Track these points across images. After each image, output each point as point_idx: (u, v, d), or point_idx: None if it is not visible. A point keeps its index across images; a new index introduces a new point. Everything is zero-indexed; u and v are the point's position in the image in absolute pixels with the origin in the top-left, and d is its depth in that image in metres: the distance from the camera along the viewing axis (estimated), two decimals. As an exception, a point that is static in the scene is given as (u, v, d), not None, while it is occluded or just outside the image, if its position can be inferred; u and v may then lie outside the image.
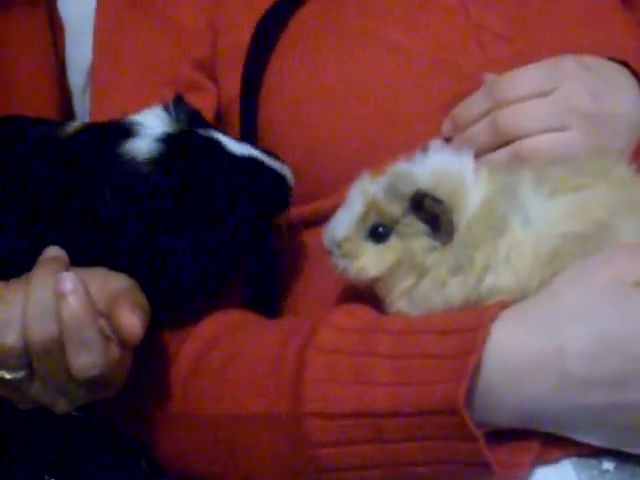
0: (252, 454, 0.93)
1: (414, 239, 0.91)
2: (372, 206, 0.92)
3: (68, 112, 1.12)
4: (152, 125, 0.92)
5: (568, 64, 0.98)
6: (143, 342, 0.87)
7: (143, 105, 1.04)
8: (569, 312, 0.86)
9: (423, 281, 0.91)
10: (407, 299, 0.92)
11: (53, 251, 0.90)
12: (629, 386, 0.84)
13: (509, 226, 0.89)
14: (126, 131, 0.92)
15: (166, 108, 0.94)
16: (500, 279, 0.89)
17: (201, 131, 0.93)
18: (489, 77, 1.00)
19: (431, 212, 0.90)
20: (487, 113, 0.98)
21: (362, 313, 0.93)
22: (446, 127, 1.02)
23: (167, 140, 0.91)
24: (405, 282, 0.91)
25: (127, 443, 1.03)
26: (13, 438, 1.03)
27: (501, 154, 0.97)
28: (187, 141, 0.92)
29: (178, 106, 0.95)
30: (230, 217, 0.92)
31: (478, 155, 0.96)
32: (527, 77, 0.98)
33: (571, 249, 0.89)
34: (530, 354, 0.85)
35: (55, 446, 1.03)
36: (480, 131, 0.98)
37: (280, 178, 0.96)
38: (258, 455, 0.93)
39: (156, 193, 0.89)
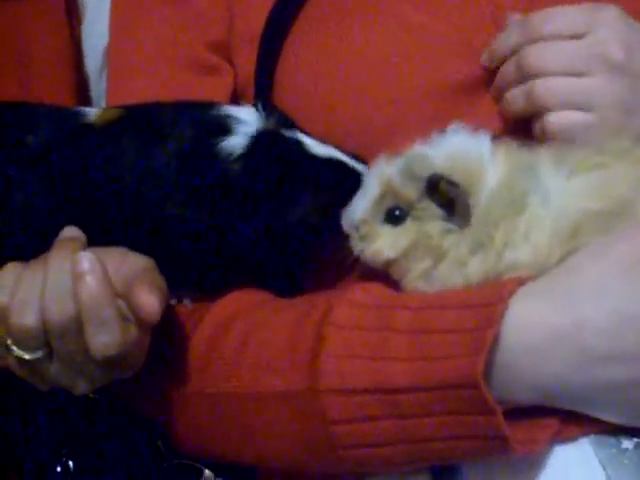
0: (269, 432, 0.93)
1: (430, 222, 0.91)
2: (388, 189, 0.92)
3: (85, 95, 1.12)
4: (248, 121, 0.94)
5: (609, 12, 0.96)
6: (160, 321, 0.87)
7: (161, 87, 1.04)
8: (590, 287, 0.86)
9: (441, 264, 0.90)
10: (425, 280, 0.91)
11: (70, 231, 0.90)
12: None
13: (528, 204, 0.89)
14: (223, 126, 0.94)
15: (256, 107, 0.96)
16: (519, 255, 0.88)
17: (287, 132, 0.95)
18: (516, 16, 0.99)
19: (447, 196, 0.89)
20: (518, 47, 0.97)
21: (379, 290, 0.92)
22: (484, 60, 1.01)
23: (257, 137, 0.93)
24: (421, 265, 0.91)
25: (143, 424, 1.03)
26: (31, 420, 1.03)
27: (515, 93, 0.96)
28: (273, 139, 0.94)
29: (266, 106, 0.97)
30: (300, 207, 0.94)
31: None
32: (563, 16, 0.96)
33: (592, 226, 0.88)
34: (550, 329, 0.85)
35: (72, 428, 1.03)
36: (508, 69, 0.97)
37: (359, 179, 0.95)
38: (275, 433, 0.92)
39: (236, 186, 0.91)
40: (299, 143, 0.95)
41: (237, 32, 1.09)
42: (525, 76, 0.95)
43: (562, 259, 0.88)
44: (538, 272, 0.88)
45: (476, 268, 0.89)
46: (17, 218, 0.92)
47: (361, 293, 0.92)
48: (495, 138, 0.93)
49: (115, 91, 1.09)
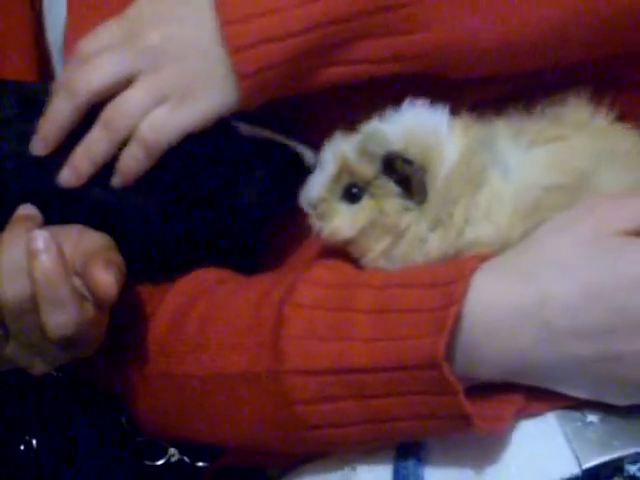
0: (232, 413, 0.92)
1: (387, 200, 0.89)
2: (344, 166, 0.90)
3: (47, 69, 1.10)
4: None
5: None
6: (120, 301, 0.86)
7: None
8: (552, 263, 0.85)
9: (401, 242, 0.90)
10: (385, 258, 0.90)
11: (26, 209, 0.89)
12: (613, 337, 0.83)
13: (488, 178, 0.88)
14: None
15: None
16: (480, 232, 0.87)
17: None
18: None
19: (403, 174, 0.88)
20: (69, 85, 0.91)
21: (341, 268, 0.91)
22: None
23: None
24: (381, 244, 0.90)
25: (107, 402, 1.02)
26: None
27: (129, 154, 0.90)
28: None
29: None
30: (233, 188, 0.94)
31: None
32: (103, 31, 0.93)
33: (553, 201, 0.88)
34: (512, 305, 0.84)
35: (35, 406, 1.03)
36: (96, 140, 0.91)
37: (295, 156, 0.95)
38: (238, 414, 0.92)
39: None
40: (230, 128, 0.94)
41: None
42: (107, 127, 0.90)
43: (524, 235, 0.88)
44: (500, 248, 0.87)
45: (436, 245, 0.88)
46: None
47: (323, 271, 0.91)
48: (453, 112, 0.92)
49: None
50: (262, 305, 0.91)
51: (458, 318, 0.84)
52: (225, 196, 0.94)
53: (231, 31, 0.87)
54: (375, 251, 0.90)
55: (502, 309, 0.85)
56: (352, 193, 0.90)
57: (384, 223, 0.89)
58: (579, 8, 0.89)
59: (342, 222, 0.91)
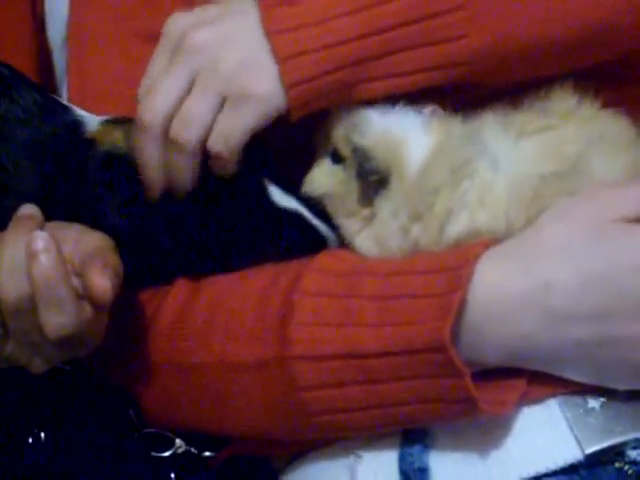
0: (240, 402, 0.93)
1: (353, 182, 0.94)
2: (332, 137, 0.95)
3: (47, 66, 1.11)
4: None
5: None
6: (126, 299, 0.88)
7: (121, 60, 1.04)
8: (554, 249, 0.86)
9: (371, 228, 0.93)
10: (377, 246, 0.93)
11: (27, 209, 0.89)
12: (613, 321, 0.85)
13: (476, 170, 0.90)
14: None
15: None
16: (476, 221, 0.89)
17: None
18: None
19: (363, 169, 0.92)
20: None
21: (347, 257, 0.93)
22: None
23: None
24: (350, 221, 0.94)
25: (115, 394, 1.02)
26: (1, 392, 1.03)
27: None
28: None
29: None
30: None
31: None
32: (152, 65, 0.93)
33: (551, 188, 0.89)
34: (516, 290, 0.86)
35: (43, 400, 1.03)
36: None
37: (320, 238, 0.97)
38: (247, 402, 0.93)
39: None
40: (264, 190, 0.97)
41: (197, 4, 1.08)
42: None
43: (528, 222, 0.89)
44: (504, 237, 0.89)
45: (420, 235, 0.90)
46: None
47: (330, 260, 0.92)
48: (433, 110, 0.94)
49: (76, 65, 1.08)
50: (269, 293, 0.92)
51: (463, 303, 0.85)
52: (239, 253, 0.96)
53: (278, 40, 0.89)
54: (349, 227, 0.94)
55: (506, 294, 0.86)
56: (336, 155, 0.95)
57: (345, 201, 0.94)
58: (621, 8, 0.91)
59: (319, 174, 0.95)
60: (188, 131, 0.89)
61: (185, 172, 0.91)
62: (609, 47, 0.94)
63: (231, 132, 0.89)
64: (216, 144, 0.90)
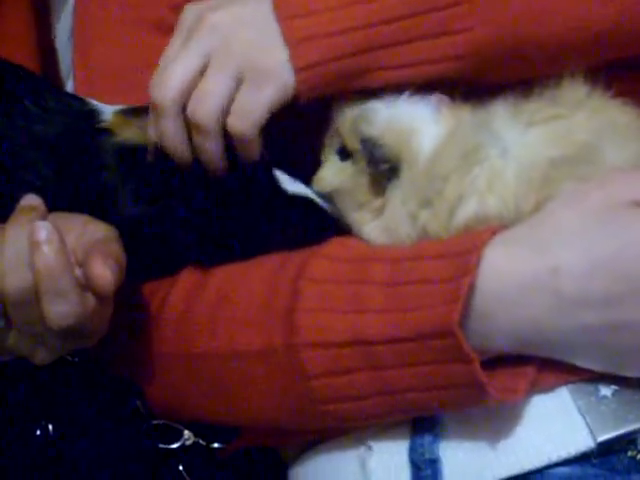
0: (248, 390, 0.93)
1: (363, 175, 0.94)
2: (339, 131, 0.95)
3: (52, 64, 1.11)
4: None
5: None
6: (133, 290, 0.88)
7: (127, 50, 1.04)
8: (563, 233, 0.86)
9: (382, 217, 0.93)
10: (385, 234, 0.93)
11: (30, 199, 0.89)
12: (623, 306, 0.84)
13: (486, 157, 0.90)
14: None
15: None
16: (485, 205, 0.89)
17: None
18: None
19: (373, 158, 0.92)
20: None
21: (355, 244, 0.92)
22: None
23: None
24: (360, 212, 0.94)
25: (122, 385, 1.02)
26: (8, 385, 1.02)
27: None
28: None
29: None
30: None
31: None
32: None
33: (561, 173, 0.89)
34: (524, 275, 0.85)
35: (51, 392, 1.03)
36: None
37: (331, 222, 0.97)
38: (254, 391, 0.92)
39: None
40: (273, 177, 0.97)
41: None
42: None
43: (537, 208, 0.89)
44: (513, 222, 0.88)
45: (429, 221, 0.90)
46: None
47: (337, 247, 0.92)
48: (440, 99, 0.94)
49: (82, 56, 1.08)
50: (276, 281, 0.91)
51: (471, 288, 0.84)
52: (251, 239, 0.96)
53: (289, 25, 0.90)
54: (359, 220, 0.94)
55: (514, 279, 0.85)
56: (343, 151, 0.95)
57: (360, 192, 0.93)
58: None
59: (328, 172, 0.95)
60: (203, 108, 0.89)
61: (212, 155, 0.92)
62: (613, 47, 0.93)
63: (250, 109, 0.90)
64: (236, 123, 0.90)
